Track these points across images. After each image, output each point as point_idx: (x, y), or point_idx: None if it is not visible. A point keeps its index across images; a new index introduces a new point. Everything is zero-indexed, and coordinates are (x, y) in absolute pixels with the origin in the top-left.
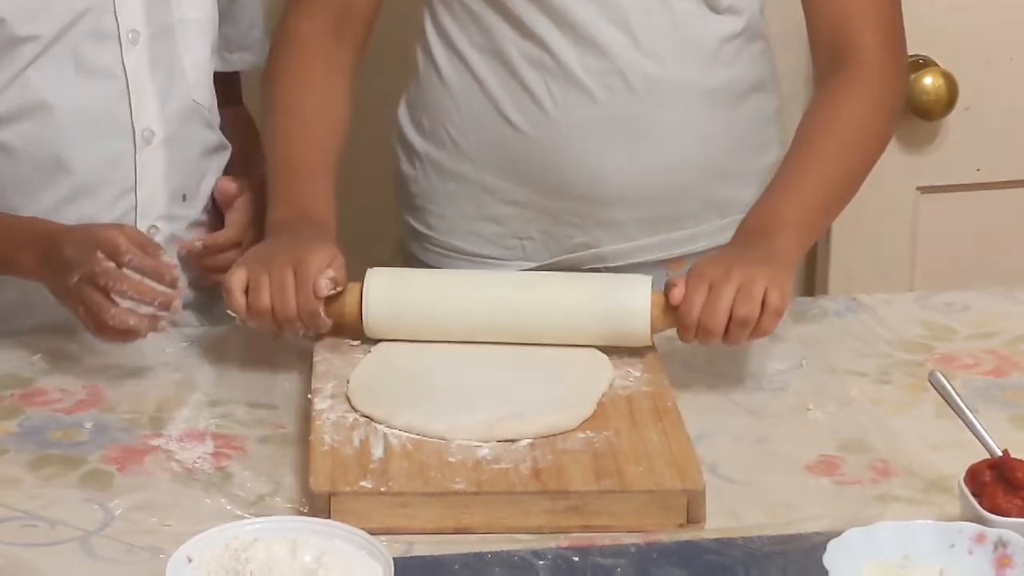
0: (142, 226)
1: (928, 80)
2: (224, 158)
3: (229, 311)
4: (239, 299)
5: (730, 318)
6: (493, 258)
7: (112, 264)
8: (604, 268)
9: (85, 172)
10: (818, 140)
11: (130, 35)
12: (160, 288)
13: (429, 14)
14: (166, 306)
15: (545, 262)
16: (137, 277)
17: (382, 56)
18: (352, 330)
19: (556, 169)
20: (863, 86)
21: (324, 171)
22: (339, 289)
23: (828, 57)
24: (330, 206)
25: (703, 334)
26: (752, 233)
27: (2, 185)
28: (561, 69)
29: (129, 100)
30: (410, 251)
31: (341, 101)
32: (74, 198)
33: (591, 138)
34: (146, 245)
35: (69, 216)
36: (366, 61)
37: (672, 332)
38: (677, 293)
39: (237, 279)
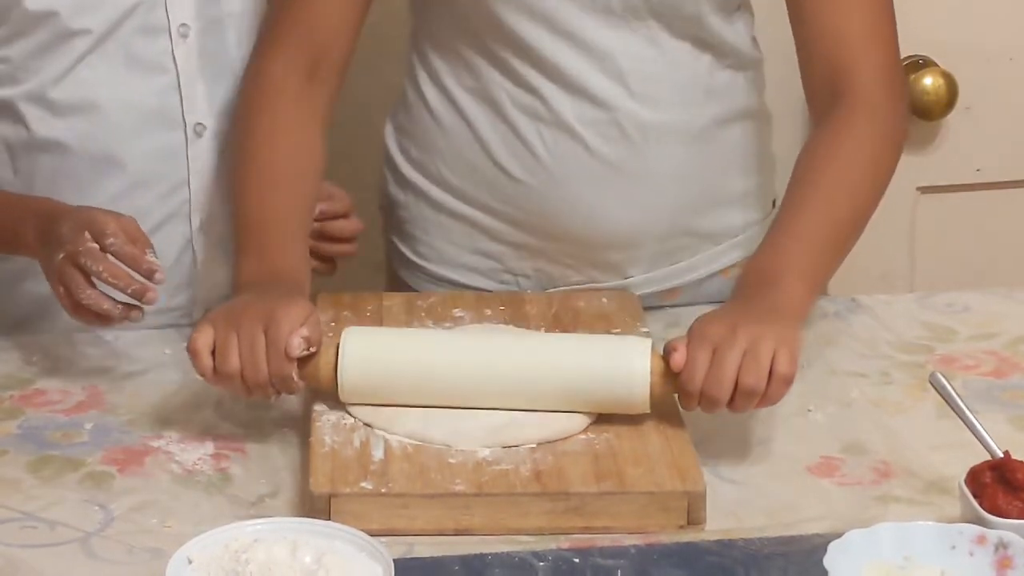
0: (195, 220)
1: (928, 80)
2: None
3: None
4: (206, 361)
5: (735, 386)
6: (486, 291)
7: (95, 245)
8: None
9: (137, 167)
10: (820, 180)
11: (180, 29)
12: (136, 276)
13: (416, 52)
14: (139, 295)
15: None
16: (118, 264)
17: (372, 59)
18: (327, 394)
19: (551, 215)
20: (863, 122)
21: (297, 231)
22: (312, 350)
23: (824, 91)
24: (304, 267)
25: (707, 403)
26: (756, 284)
27: (56, 181)
28: (554, 117)
29: (180, 94)
30: (396, 273)
31: (314, 152)
32: (127, 193)
33: (585, 185)
34: (136, 237)
35: (124, 210)
36: (355, 65)
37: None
38: (678, 358)
39: (203, 339)
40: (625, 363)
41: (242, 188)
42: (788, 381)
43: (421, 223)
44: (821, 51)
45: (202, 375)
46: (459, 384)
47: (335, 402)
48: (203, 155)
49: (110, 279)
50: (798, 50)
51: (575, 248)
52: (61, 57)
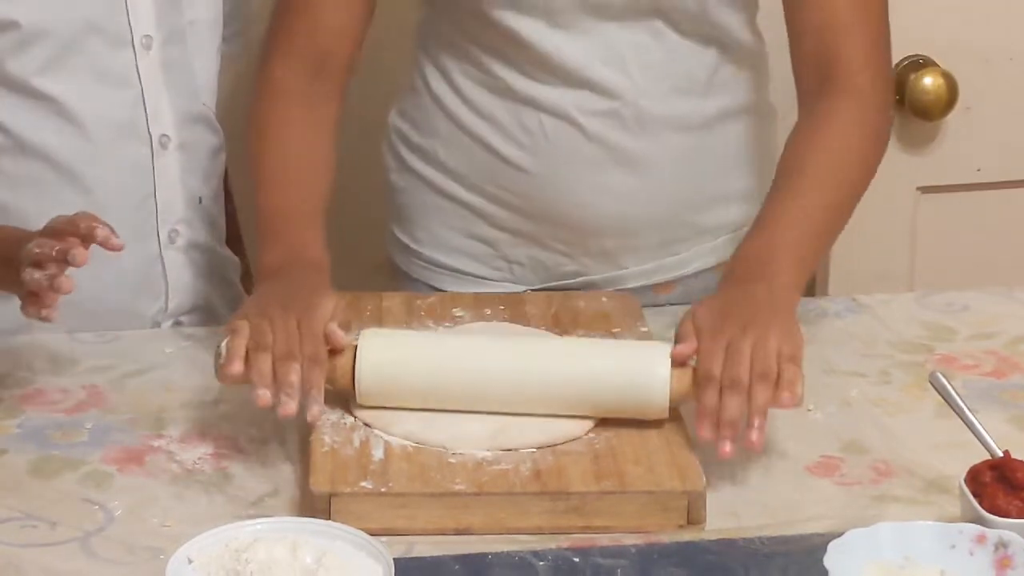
0: (163, 231)
1: (928, 80)
2: (223, 158)
3: (218, 375)
4: (236, 367)
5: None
6: (480, 277)
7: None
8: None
9: (104, 180)
10: (808, 167)
11: (143, 40)
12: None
13: (421, 44)
14: (64, 254)
15: (534, 287)
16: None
17: (379, 56)
18: (343, 394)
19: (548, 200)
20: (849, 109)
21: (314, 217)
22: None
23: (812, 77)
24: (324, 250)
25: (729, 386)
26: (749, 271)
27: (22, 193)
28: (554, 106)
29: (144, 106)
30: (396, 263)
31: (324, 149)
32: (94, 208)
33: (584, 171)
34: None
35: None
36: (362, 61)
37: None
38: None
39: (239, 341)
40: (646, 370)
41: (258, 185)
42: (797, 361)
43: (419, 207)
44: (809, 37)
45: (226, 376)
46: (478, 391)
47: (334, 401)
48: (169, 167)
49: (47, 250)
50: (789, 38)
51: (570, 235)
52: (21, 72)
